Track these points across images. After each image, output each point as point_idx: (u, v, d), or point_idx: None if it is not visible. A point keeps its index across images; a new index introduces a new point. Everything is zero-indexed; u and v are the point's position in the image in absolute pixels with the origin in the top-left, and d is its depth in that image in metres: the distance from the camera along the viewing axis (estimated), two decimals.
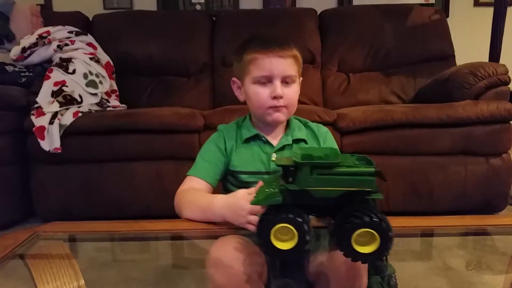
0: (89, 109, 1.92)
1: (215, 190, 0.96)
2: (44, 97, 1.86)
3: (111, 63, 2.27)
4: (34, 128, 1.76)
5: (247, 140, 0.98)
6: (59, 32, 2.16)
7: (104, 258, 1.27)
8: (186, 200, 0.90)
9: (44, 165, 1.84)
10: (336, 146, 1.02)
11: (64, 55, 2.05)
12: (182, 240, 1.09)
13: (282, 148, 0.97)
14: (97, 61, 2.15)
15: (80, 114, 1.83)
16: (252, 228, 0.75)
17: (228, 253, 0.73)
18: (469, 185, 1.82)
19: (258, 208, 0.68)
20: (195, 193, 0.92)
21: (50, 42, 2.10)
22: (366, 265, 0.76)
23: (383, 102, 2.38)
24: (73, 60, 2.04)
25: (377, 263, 0.82)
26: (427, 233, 1.07)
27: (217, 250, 0.75)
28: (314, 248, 0.79)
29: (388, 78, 2.47)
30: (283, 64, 0.91)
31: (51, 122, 1.77)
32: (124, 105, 2.18)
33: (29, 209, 1.92)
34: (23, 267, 0.86)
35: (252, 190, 0.77)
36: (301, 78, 0.98)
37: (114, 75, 2.29)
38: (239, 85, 0.99)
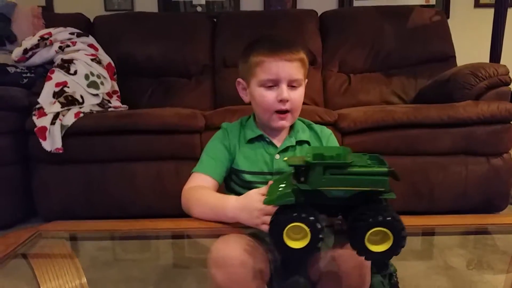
0: (91, 110, 1.93)
1: (219, 189, 0.96)
2: (45, 98, 1.86)
3: (112, 64, 2.28)
4: (35, 129, 1.77)
5: (251, 141, 0.98)
6: (61, 33, 2.16)
7: (106, 257, 1.27)
8: (195, 199, 0.90)
9: (46, 165, 1.85)
10: None
11: (66, 56, 2.06)
12: (184, 239, 1.09)
13: (286, 149, 0.97)
14: (99, 62, 2.15)
15: (81, 115, 1.83)
16: (266, 228, 0.73)
17: (230, 252, 0.73)
18: (470, 185, 1.82)
19: (271, 208, 0.68)
20: (205, 192, 0.91)
21: (51, 44, 2.11)
22: (370, 263, 0.76)
23: (384, 102, 2.38)
24: (74, 61, 2.04)
25: (385, 261, 0.82)
26: (428, 232, 1.07)
27: (219, 249, 0.75)
28: None
29: (389, 78, 2.47)
30: (290, 68, 0.91)
31: (52, 123, 1.78)
32: (125, 106, 2.18)
33: (30, 209, 1.92)
34: (26, 265, 0.86)
35: (264, 190, 0.77)
36: (306, 80, 0.97)
37: (115, 76, 2.29)
38: (244, 86, 0.99)
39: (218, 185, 0.96)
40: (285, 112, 0.93)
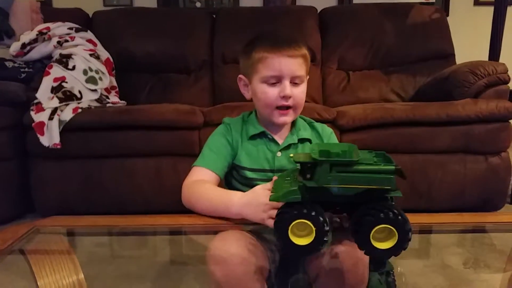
0: (89, 105, 1.92)
1: (218, 185, 0.95)
2: (43, 93, 1.86)
3: (111, 59, 2.27)
4: (33, 124, 1.76)
5: (253, 137, 0.97)
6: (59, 28, 2.15)
7: (103, 252, 1.27)
8: (198, 193, 0.89)
9: (43, 161, 1.84)
10: None
11: (64, 51, 2.05)
12: (182, 236, 1.09)
13: (288, 147, 0.97)
14: (97, 57, 2.15)
15: (79, 110, 1.83)
16: (271, 223, 0.73)
17: (229, 249, 0.73)
18: (468, 183, 1.82)
19: (277, 203, 0.68)
20: (207, 187, 0.90)
21: (50, 38, 2.10)
22: (368, 261, 0.76)
23: (383, 100, 2.38)
24: (73, 56, 2.03)
25: (384, 259, 0.82)
26: (425, 230, 1.07)
27: (217, 246, 0.74)
28: None
29: (388, 76, 2.46)
30: (293, 64, 0.90)
31: (50, 118, 1.77)
32: (123, 102, 2.18)
33: (28, 205, 1.91)
34: (23, 261, 0.86)
35: (269, 186, 0.77)
36: (307, 77, 0.97)
37: (114, 72, 2.29)
38: (246, 82, 0.98)
39: (220, 180, 0.95)
40: (287, 108, 0.93)
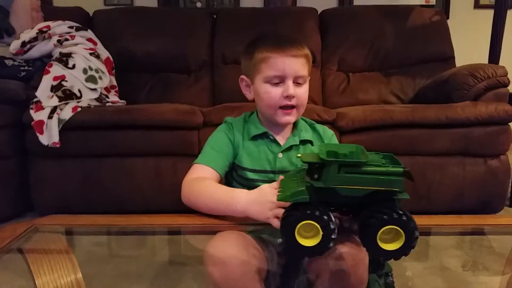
0: (88, 104, 1.92)
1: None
2: (43, 92, 1.86)
3: (111, 58, 2.27)
4: (32, 122, 1.76)
5: (255, 137, 0.97)
6: (59, 27, 2.15)
7: (102, 252, 1.27)
8: (198, 191, 0.88)
9: (43, 160, 1.84)
10: None
11: (64, 50, 2.05)
12: (181, 235, 1.09)
13: (289, 148, 0.96)
14: (97, 56, 2.14)
15: (79, 109, 1.83)
16: (276, 223, 0.73)
17: (226, 250, 0.73)
18: (467, 186, 1.82)
19: (284, 203, 0.68)
20: (210, 184, 0.89)
21: (50, 37, 2.09)
22: (367, 262, 0.76)
23: (382, 102, 2.38)
24: (73, 55, 2.03)
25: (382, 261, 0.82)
26: (424, 232, 1.07)
27: (215, 247, 0.74)
28: None
29: (387, 78, 2.47)
30: (296, 64, 0.90)
31: (50, 117, 1.77)
32: (123, 101, 2.18)
33: (27, 204, 1.91)
34: (21, 259, 0.86)
35: (276, 185, 0.76)
36: (309, 77, 0.96)
37: (113, 71, 2.28)
38: (248, 83, 0.98)
39: (220, 179, 0.94)
40: (290, 107, 0.92)
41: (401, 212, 0.61)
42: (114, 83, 2.25)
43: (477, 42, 2.64)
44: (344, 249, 0.73)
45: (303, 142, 0.98)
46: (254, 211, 0.78)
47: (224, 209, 0.83)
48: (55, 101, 1.82)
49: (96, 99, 2.01)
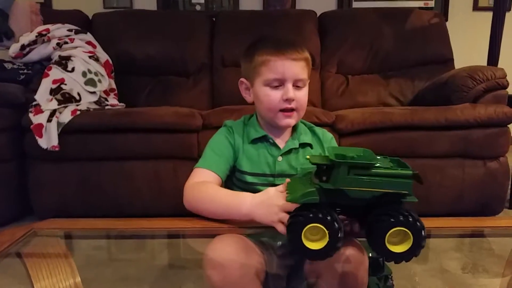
0: (88, 108, 1.92)
1: None
2: (42, 95, 1.85)
3: (110, 61, 2.27)
4: (32, 126, 1.76)
5: (254, 141, 0.97)
6: (59, 30, 2.15)
7: (101, 256, 1.26)
8: (201, 194, 0.87)
9: (42, 163, 1.84)
10: None
11: (63, 53, 2.05)
12: (180, 239, 1.09)
13: (289, 151, 0.96)
14: (96, 59, 2.15)
15: (78, 112, 1.82)
16: (281, 228, 0.72)
17: (225, 253, 0.72)
18: (466, 188, 1.82)
19: (290, 206, 0.68)
20: (213, 187, 0.88)
21: (49, 40, 2.09)
22: (368, 264, 0.76)
23: (381, 104, 2.38)
24: (72, 58, 2.03)
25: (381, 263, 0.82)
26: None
27: (214, 250, 0.74)
28: None
29: (386, 80, 2.47)
30: (296, 67, 0.90)
31: (49, 120, 1.77)
32: (122, 104, 2.18)
33: (25, 207, 1.90)
34: (19, 263, 0.85)
35: (282, 188, 0.76)
36: (308, 80, 0.96)
37: (113, 74, 2.28)
38: (248, 86, 0.98)
39: (221, 182, 0.94)
40: (290, 110, 0.92)
41: (407, 213, 0.61)
42: (114, 86, 2.25)
43: (476, 44, 2.64)
44: (345, 251, 0.73)
45: (303, 145, 0.98)
46: (259, 214, 0.78)
47: (228, 213, 0.83)
48: (54, 104, 1.82)
49: (95, 102, 2.01)
